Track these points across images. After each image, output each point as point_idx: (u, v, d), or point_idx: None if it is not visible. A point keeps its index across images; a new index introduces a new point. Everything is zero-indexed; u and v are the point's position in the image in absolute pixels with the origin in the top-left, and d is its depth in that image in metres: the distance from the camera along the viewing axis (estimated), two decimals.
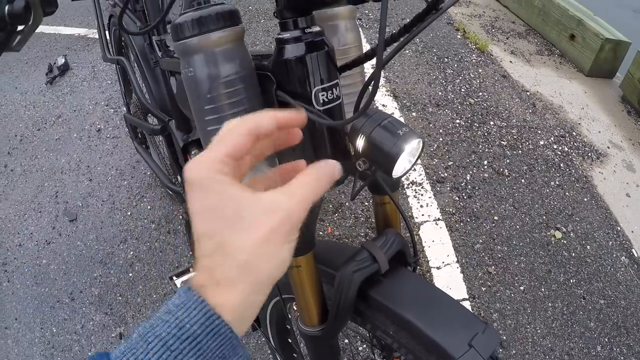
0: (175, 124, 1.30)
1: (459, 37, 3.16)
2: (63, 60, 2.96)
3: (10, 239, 1.93)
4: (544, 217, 1.87)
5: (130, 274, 1.71)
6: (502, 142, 2.25)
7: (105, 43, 1.53)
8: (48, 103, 2.73)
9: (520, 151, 2.20)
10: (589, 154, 2.23)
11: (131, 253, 1.78)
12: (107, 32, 1.60)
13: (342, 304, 0.64)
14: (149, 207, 1.97)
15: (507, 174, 2.08)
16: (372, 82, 0.46)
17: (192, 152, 1.30)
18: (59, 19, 3.74)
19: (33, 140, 2.44)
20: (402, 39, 0.47)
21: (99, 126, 2.47)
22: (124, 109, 1.92)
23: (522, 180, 2.05)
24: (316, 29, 0.57)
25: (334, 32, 0.69)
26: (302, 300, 0.71)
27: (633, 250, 1.78)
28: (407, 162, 0.54)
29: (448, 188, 2.01)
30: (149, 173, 2.12)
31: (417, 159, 0.55)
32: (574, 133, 2.36)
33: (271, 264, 0.33)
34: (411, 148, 0.52)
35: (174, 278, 1.31)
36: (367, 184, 0.64)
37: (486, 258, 1.71)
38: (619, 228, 1.86)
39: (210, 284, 0.32)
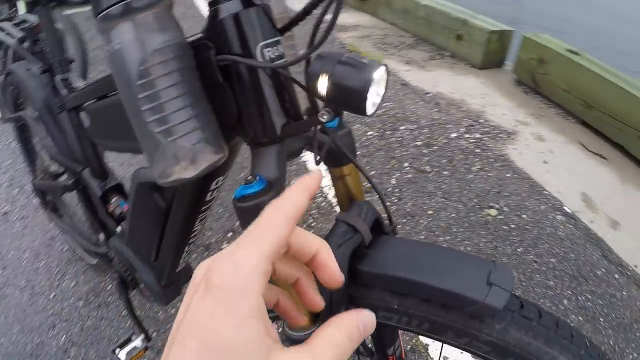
0: (90, 172, 1.21)
1: None
2: None
3: None
4: (476, 200, 1.88)
5: None
6: (417, 143, 2.28)
7: (2, 104, 1.47)
8: None
9: (436, 147, 2.23)
10: (500, 135, 2.30)
11: (63, 338, 1.52)
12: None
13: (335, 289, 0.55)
14: (72, 284, 1.71)
15: (429, 170, 2.08)
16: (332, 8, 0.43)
17: (112, 201, 1.21)
18: None
19: None
20: None
21: (4, 209, 2.18)
22: (31, 177, 1.73)
23: (445, 172, 2.06)
24: None
25: None
26: (288, 302, 0.60)
27: (565, 207, 1.83)
28: (375, 96, 0.49)
29: (376, 196, 1.96)
30: (65, 248, 1.88)
31: (384, 91, 0.51)
32: (481, 120, 2.44)
33: None
34: (378, 77, 0.47)
35: (117, 350, 1.16)
36: (332, 140, 0.58)
37: None
38: (546, 192, 1.90)
39: None
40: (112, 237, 1.17)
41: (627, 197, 1.91)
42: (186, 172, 0.53)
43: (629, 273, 1.57)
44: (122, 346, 1.15)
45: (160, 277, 1.01)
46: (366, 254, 0.59)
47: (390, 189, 1.99)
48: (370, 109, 0.48)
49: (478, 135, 2.31)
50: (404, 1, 3.71)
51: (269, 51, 0.53)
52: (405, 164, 2.13)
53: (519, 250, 1.63)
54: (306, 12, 0.52)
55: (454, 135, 2.31)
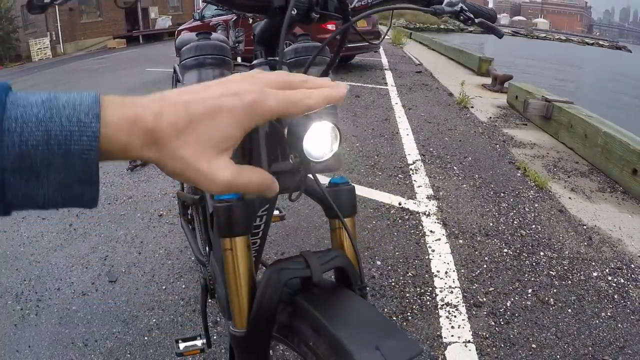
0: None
1: (518, 175, 3.20)
2: None
3: (52, 282, 2.07)
4: (590, 349, 1.67)
5: (146, 338, 1.72)
6: (551, 272, 2.13)
7: None
8: (124, 185, 3.08)
9: (569, 282, 2.05)
10: None
11: (154, 320, 1.82)
12: None
13: (265, 301, 0.63)
14: (183, 286, 2.04)
15: (552, 303, 1.92)
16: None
17: None
18: None
19: (101, 211, 2.72)
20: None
21: (162, 212, 2.71)
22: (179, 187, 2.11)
23: (569, 310, 1.88)
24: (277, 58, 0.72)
25: None
26: (234, 296, 0.69)
27: None
28: (326, 150, 0.53)
29: (485, 312, 1.88)
30: (192, 258, 2.21)
31: (337, 147, 0.53)
32: (633, 265, 2.19)
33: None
34: (321, 129, 0.51)
35: (180, 341, 1.34)
36: (302, 182, 0.62)
37: None
38: None
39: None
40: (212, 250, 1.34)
41: None
42: None
43: None
44: (185, 340, 1.31)
45: None
46: (312, 290, 0.65)
47: (502, 310, 1.88)
48: (313, 154, 0.51)
49: (622, 281, 2.07)
50: (584, 125, 3.57)
51: None
52: (529, 290, 2.01)
53: None
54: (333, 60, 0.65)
55: (595, 274, 2.11)
